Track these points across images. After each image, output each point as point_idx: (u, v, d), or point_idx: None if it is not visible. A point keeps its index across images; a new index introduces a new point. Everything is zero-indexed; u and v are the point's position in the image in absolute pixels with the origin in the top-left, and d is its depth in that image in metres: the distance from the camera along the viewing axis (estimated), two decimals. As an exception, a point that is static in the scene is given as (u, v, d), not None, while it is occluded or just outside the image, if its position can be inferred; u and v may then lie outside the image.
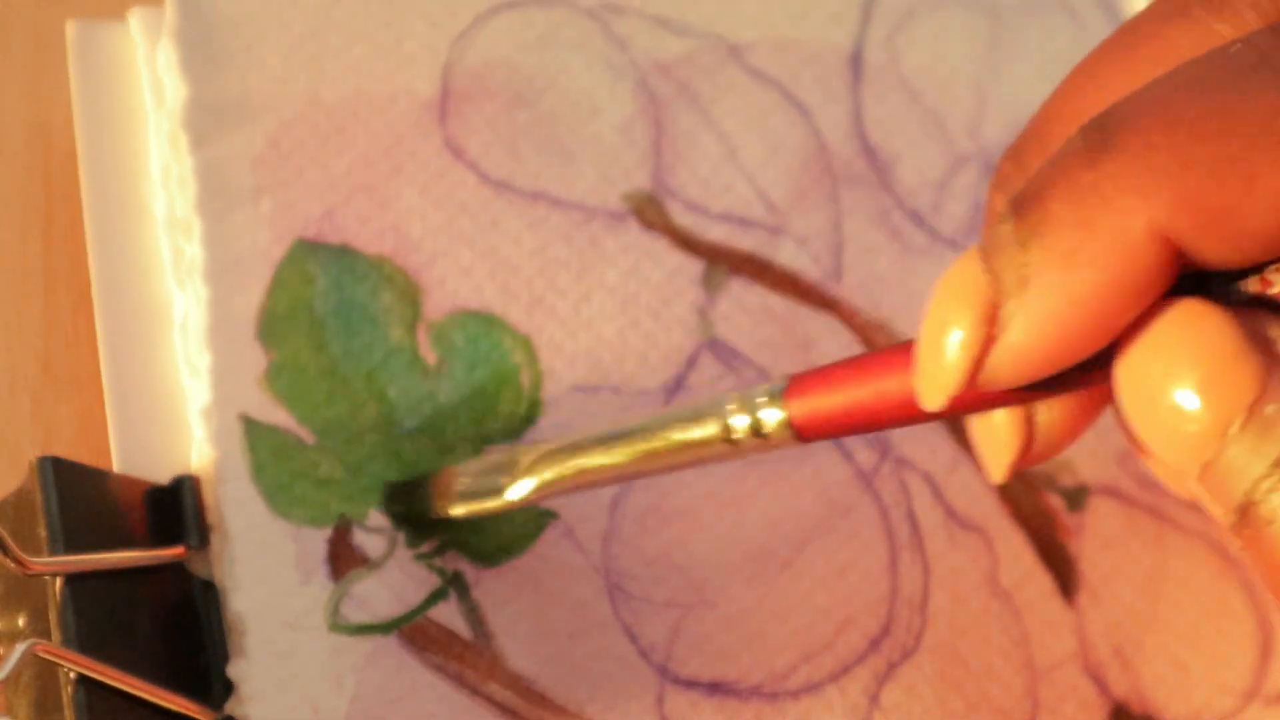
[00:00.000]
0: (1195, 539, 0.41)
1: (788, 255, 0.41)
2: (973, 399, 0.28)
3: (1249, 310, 0.27)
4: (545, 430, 0.38)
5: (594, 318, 0.39)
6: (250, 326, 0.37)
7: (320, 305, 0.38)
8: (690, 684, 0.37)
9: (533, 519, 0.37)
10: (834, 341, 0.40)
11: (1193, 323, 0.26)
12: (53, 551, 0.33)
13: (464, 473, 0.35)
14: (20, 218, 0.39)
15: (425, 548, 0.36)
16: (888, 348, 0.30)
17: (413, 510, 0.36)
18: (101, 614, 0.34)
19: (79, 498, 0.34)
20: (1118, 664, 0.39)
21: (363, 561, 0.36)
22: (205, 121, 0.38)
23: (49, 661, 0.33)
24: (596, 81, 0.41)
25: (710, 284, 0.40)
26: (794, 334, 0.40)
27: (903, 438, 0.40)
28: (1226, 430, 0.26)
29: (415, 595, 0.36)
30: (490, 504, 0.34)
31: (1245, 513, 0.26)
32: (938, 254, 0.42)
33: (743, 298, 0.40)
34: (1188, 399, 0.26)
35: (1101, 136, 0.26)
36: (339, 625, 0.35)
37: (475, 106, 0.40)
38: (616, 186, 0.40)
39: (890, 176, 0.42)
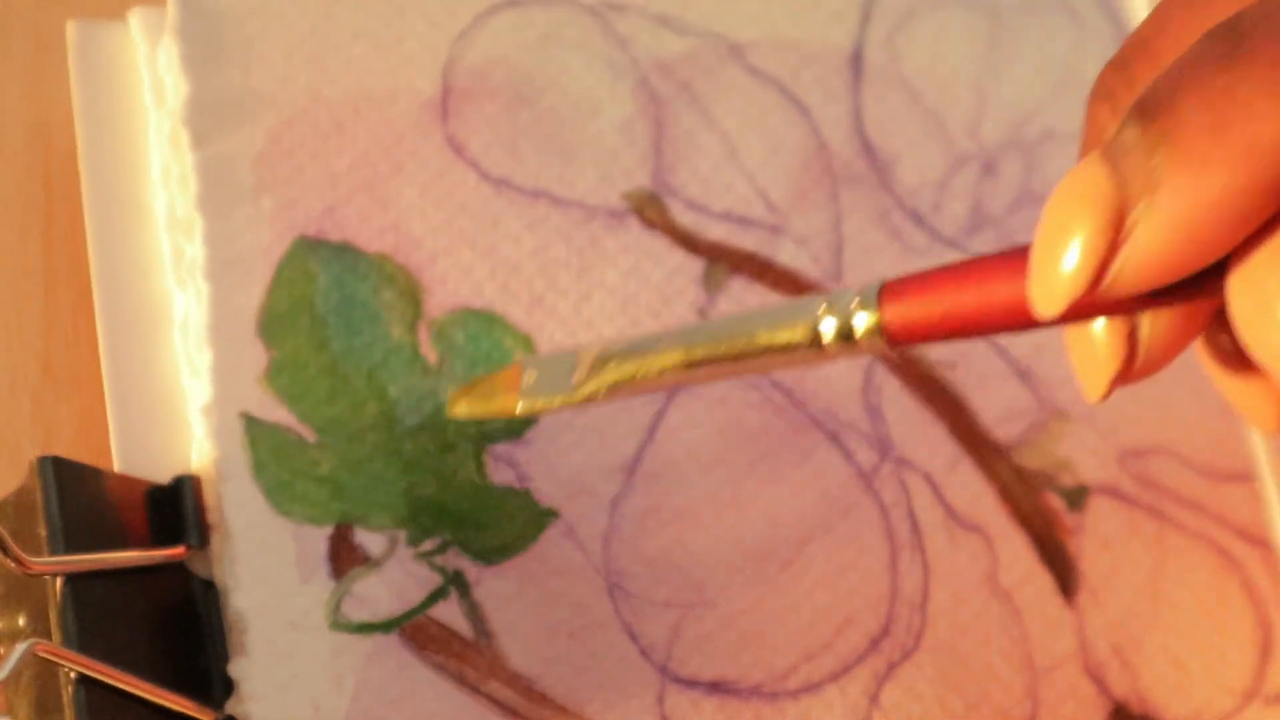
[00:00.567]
0: (1195, 539, 0.41)
1: (788, 254, 0.41)
2: (1086, 306, 0.27)
3: None
4: (546, 429, 0.38)
5: (594, 317, 0.39)
6: (251, 324, 0.37)
7: (321, 303, 0.38)
8: (690, 683, 0.37)
9: (533, 518, 0.37)
10: (834, 341, 0.40)
11: None
12: (53, 551, 0.33)
13: (529, 366, 0.34)
14: (20, 218, 0.39)
15: (426, 546, 0.36)
16: (987, 255, 0.29)
17: (475, 408, 0.35)
18: (101, 614, 0.34)
19: (79, 497, 0.34)
20: (1118, 664, 0.39)
21: (364, 560, 0.36)
22: (207, 119, 0.38)
23: (49, 661, 0.33)
24: (597, 80, 0.41)
25: (711, 283, 0.40)
26: (794, 333, 0.40)
27: (903, 438, 0.40)
28: None
29: (416, 594, 0.36)
30: (557, 399, 0.33)
31: None
32: (938, 254, 0.42)
33: (743, 297, 0.40)
34: None
35: (1235, 40, 0.26)
36: (340, 624, 0.35)
37: (476, 105, 0.40)
38: (617, 185, 0.40)
39: (890, 176, 0.42)
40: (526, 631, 0.36)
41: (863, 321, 0.30)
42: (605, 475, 0.38)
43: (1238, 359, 0.31)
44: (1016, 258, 0.28)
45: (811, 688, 0.37)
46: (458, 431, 0.37)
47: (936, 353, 0.41)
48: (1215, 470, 0.41)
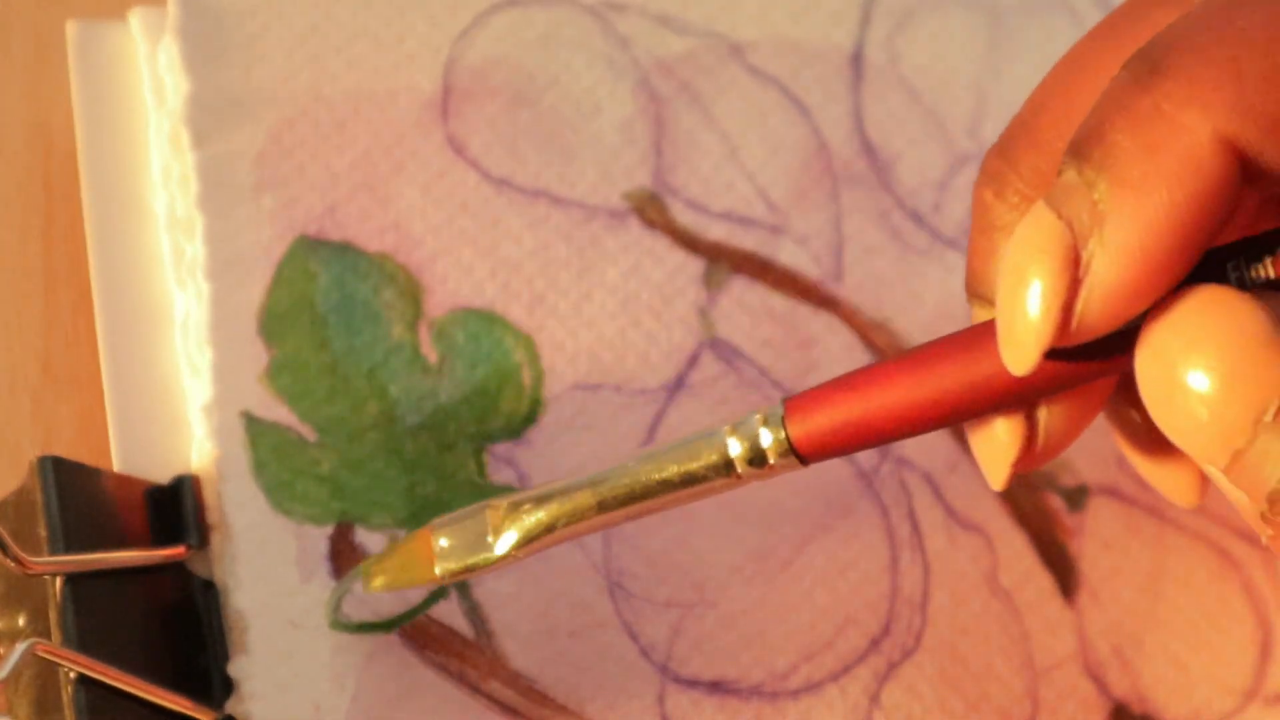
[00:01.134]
0: (1195, 539, 0.41)
1: (788, 254, 0.41)
2: (1044, 376, 0.27)
3: (1272, 295, 0.26)
4: (546, 429, 0.38)
5: (595, 316, 0.39)
6: (252, 323, 0.37)
7: (322, 302, 0.38)
8: (691, 683, 0.37)
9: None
10: (834, 341, 0.40)
11: (1218, 310, 0.26)
12: (53, 551, 0.33)
13: (440, 532, 0.33)
14: (20, 218, 0.39)
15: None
16: (884, 360, 0.30)
17: (395, 581, 0.34)
18: (101, 614, 0.34)
19: (79, 497, 0.34)
20: (1118, 664, 0.39)
21: (364, 559, 0.36)
22: (207, 118, 0.38)
23: (49, 661, 0.33)
24: (598, 80, 0.41)
25: (711, 283, 0.40)
26: (795, 333, 0.40)
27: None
28: (1259, 419, 0.26)
29: (416, 594, 0.36)
30: (476, 560, 0.32)
31: (1277, 501, 0.26)
32: (938, 254, 0.42)
33: (743, 297, 0.40)
34: (1217, 388, 0.26)
35: (1150, 63, 0.26)
36: (340, 623, 0.35)
37: (477, 104, 0.40)
38: (617, 185, 0.40)
39: (890, 176, 0.42)
40: (526, 631, 0.36)
41: (769, 440, 0.30)
42: (605, 475, 0.38)
43: (1150, 438, 0.31)
44: (916, 361, 0.29)
45: (812, 687, 0.37)
46: (458, 431, 0.37)
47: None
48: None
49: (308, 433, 0.37)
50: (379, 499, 0.36)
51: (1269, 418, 0.26)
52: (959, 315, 0.41)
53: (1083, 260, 0.26)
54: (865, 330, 0.41)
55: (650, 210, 0.40)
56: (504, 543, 0.32)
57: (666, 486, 0.31)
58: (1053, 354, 0.27)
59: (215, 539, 0.36)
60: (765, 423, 0.31)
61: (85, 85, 0.40)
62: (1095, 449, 0.41)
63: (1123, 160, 0.26)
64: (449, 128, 0.40)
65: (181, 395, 0.37)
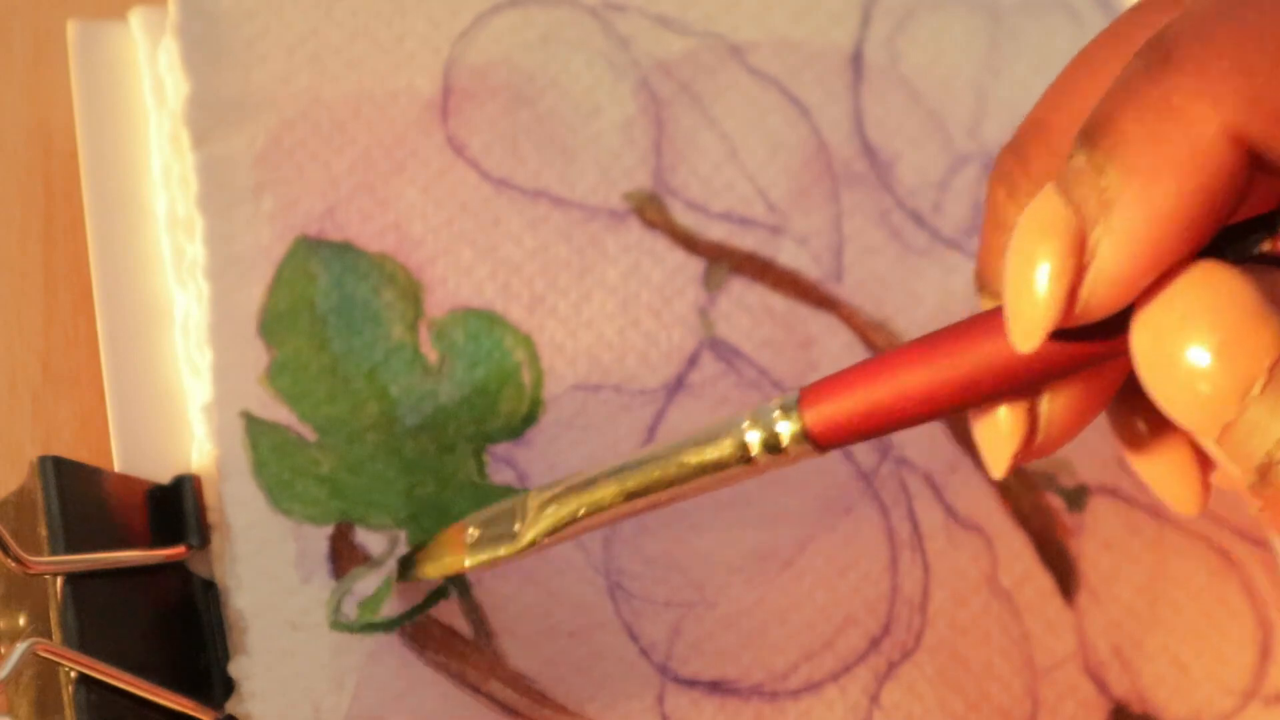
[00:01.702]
0: (1195, 539, 0.41)
1: (788, 254, 0.41)
2: (1050, 355, 0.28)
3: (1264, 269, 0.27)
4: (546, 429, 0.38)
5: (595, 316, 0.39)
6: (252, 324, 0.37)
7: (322, 303, 0.38)
8: (691, 683, 0.37)
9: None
10: (834, 341, 0.40)
11: (1211, 284, 0.27)
12: (53, 551, 0.33)
13: (472, 524, 0.34)
14: (20, 218, 0.39)
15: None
16: (898, 346, 0.30)
17: (428, 570, 0.35)
18: (102, 613, 0.34)
19: (80, 497, 0.34)
20: (1118, 664, 0.39)
21: (364, 559, 0.36)
22: (207, 119, 0.38)
23: (50, 661, 0.33)
24: (597, 80, 0.41)
25: (711, 283, 0.40)
26: (794, 333, 0.40)
27: (903, 438, 0.40)
28: (1248, 391, 0.26)
29: (416, 593, 0.36)
30: (503, 550, 0.33)
31: (1266, 473, 0.26)
32: (938, 254, 0.42)
33: (743, 297, 0.40)
34: (1208, 360, 0.26)
35: (1161, 53, 0.27)
36: (340, 623, 0.35)
37: (477, 105, 0.40)
38: (617, 185, 0.40)
39: (890, 176, 0.42)
40: (526, 631, 0.36)
41: (786, 429, 0.31)
42: (605, 475, 0.38)
43: (1150, 443, 0.32)
44: (927, 347, 0.30)
45: (812, 687, 0.38)
46: (458, 431, 0.37)
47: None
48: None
49: (308, 433, 0.37)
50: (379, 499, 0.36)
51: (1257, 390, 0.26)
52: (959, 315, 0.41)
53: (1089, 245, 0.27)
54: (865, 330, 0.41)
55: (650, 211, 0.40)
56: (530, 532, 0.33)
57: (686, 475, 0.32)
58: (1058, 334, 0.28)
59: (215, 539, 0.36)
60: (782, 411, 0.31)
61: (85, 85, 0.40)
62: (1095, 449, 0.41)
63: (1132, 149, 0.27)
64: (449, 128, 0.40)
65: (182, 395, 0.37)
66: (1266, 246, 0.27)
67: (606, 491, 0.32)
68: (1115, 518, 0.40)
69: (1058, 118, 0.30)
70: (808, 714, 0.37)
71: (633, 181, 0.41)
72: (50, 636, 0.33)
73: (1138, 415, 0.32)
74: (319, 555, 0.36)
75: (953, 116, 0.43)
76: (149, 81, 0.40)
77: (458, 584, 0.36)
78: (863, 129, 0.42)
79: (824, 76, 0.43)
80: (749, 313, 0.40)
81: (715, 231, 0.41)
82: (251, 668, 0.35)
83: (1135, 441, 0.32)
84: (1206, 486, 0.32)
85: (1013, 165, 0.31)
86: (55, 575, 0.33)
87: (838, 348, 0.40)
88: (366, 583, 0.36)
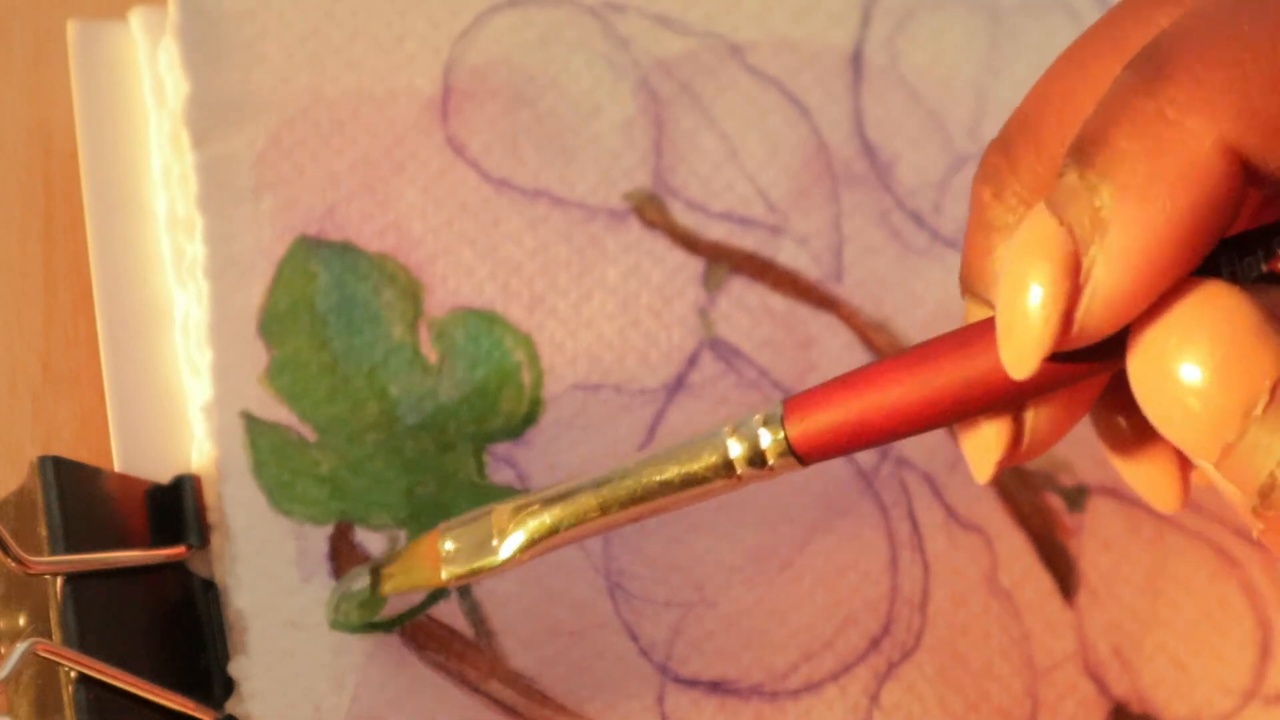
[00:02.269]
0: (1195, 539, 0.41)
1: (788, 254, 0.41)
2: (1042, 376, 0.27)
3: (1264, 288, 0.27)
4: (546, 429, 0.38)
5: (595, 316, 0.39)
6: (252, 323, 0.37)
7: (322, 302, 0.38)
8: (691, 683, 0.37)
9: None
10: (834, 341, 0.40)
11: (1211, 303, 0.26)
12: (53, 551, 0.33)
13: (447, 535, 0.33)
14: (20, 218, 0.39)
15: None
16: (884, 359, 0.30)
17: (402, 583, 0.34)
18: (102, 613, 0.34)
19: (79, 497, 0.34)
20: (1117, 664, 0.39)
21: (364, 559, 0.36)
22: (207, 119, 0.38)
23: (50, 661, 0.33)
24: (597, 80, 0.41)
25: (711, 283, 0.40)
26: (794, 333, 0.40)
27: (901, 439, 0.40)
28: (1249, 412, 0.26)
29: (416, 593, 0.36)
30: (481, 564, 0.33)
31: (1268, 495, 0.26)
32: (938, 254, 0.42)
33: (743, 297, 0.40)
34: (1208, 380, 0.26)
35: (1154, 66, 0.26)
36: (340, 623, 0.35)
37: (476, 105, 0.40)
38: (617, 185, 0.40)
39: (890, 176, 0.42)
40: (526, 631, 0.36)
41: (768, 441, 0.30)
42: (605, 475, 0.38)
43: (1134, 443, 0.32)
44: (913, 361, 0.29)
45: (812, 687, 0.37)
46: (458, 431, 0.37)
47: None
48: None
49: (308, 433, 0.37)
50: (379, 499, 0.36)
51: (1259, 410, 0.26)
52: (958, 315, 0.41)
53: (1084, 266, 0.26)
54: (865, 330, 0.41)
55: (650, 210, 0.40)
56: (509, 546, 0.33)
57: (668, 488, 0.31)
58: (1051, 355, 0.27)
59: (215, 539, 0.36)
60: (765, 423, 0.31)
61: (85, 85, 0.40)
62: (1095, 449, 0.41)
63: (1125, 165, 0.26)
64: (449, 128, 0.40)
65: (182, 395, 0.37)
66: (1265, 267, 0.27)
67: (585, 505, 0.32)
68: (1115, 517, 0.40)
69: (1046, 114, 0.30)
70: (807, 714, 0.37)
71: (633, 181, 0.41)
72: (50, 636, 0.33)
73: (1119, 414, 0.32)
74: (319, 555, 0.36)
75: (953, 116, 0.43)
76: (149, 81, 0.40)
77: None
78: (863, 129, 0.42)
79: (824, 76, 0.43)
80: (749, 313, 0.40)
81: (715, 231, 0.41)
82: (251, 668, 0.35)
83: (1117, 439, 0.32)
84: (1187, 484, 0.32)
85: (999, 164, 0.30)
86: (55, 575, 0.33)
87: (838, 348, 0.40)
88: (366, 583, 0.36)
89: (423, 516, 0.37)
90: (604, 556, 0.37)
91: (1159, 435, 0.30)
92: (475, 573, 0.33)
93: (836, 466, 0.39)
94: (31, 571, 0.33)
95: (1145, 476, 0.32)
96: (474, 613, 0.36)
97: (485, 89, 0.40)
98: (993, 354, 0.28)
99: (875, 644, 0.38)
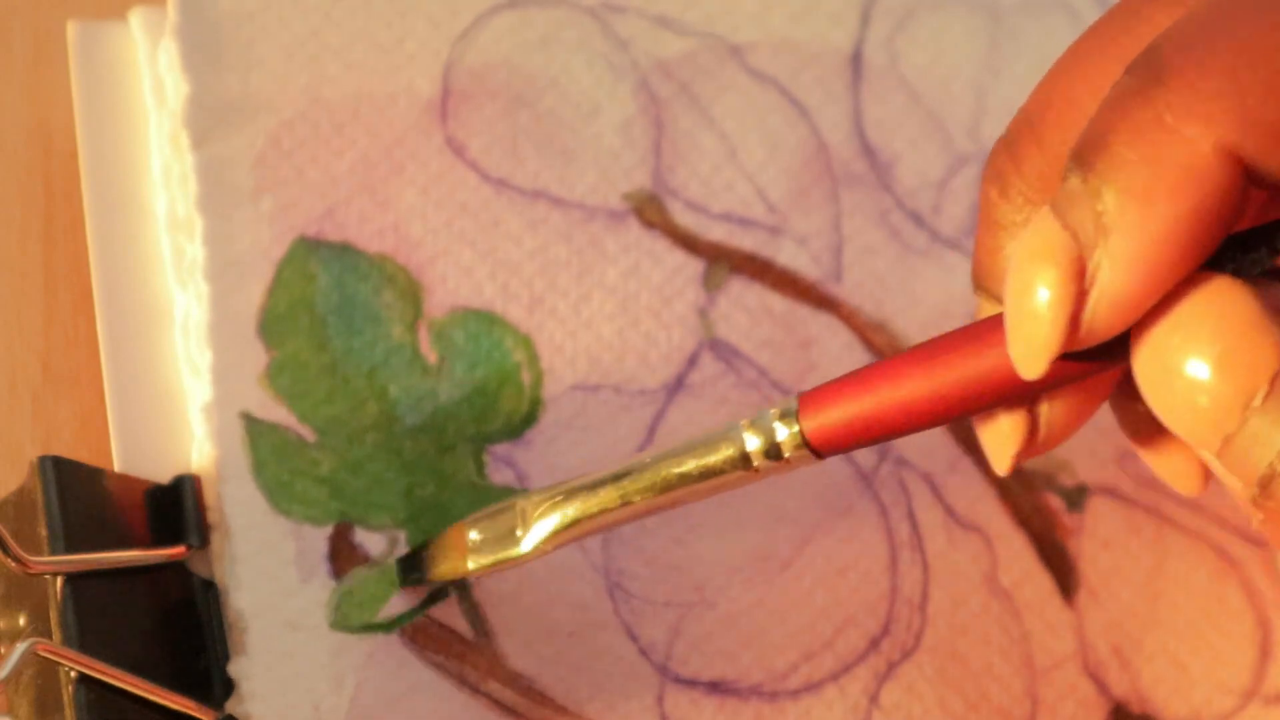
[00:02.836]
0: (1195, 539, 0.41)
1: (788, 255, 0.41)
2: (1057, 372, 0.28)
3: (1267, 284, 0.27)
4: (546, 429, 0.38)
5: (594, 317, 0.39)
6: (251, 324, 0.37)
7: (321, 303, 0.38)
8: (690, 683, 0.37)
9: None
10: (834, 341, 0.40)
11: (1213, 297, 0.26)
12: (53, 551, 0.33)
13: (473, 526, 0.34)
14: (20, 218, 0.39)
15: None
16: (899, 353, 0.30)
17: (429, 574, 0.35)
18: (102, 613, 0.34)
19: (80, 497, 0.34)
20: (1117, 663, 0.39)
21: (364, 560, 0.36)
22: (207, 120, 0.38)
23: (50, 661, 0.33)
24: (597, 81, 0.41)
25: (710, 283, 0.40)
26: (794, 334, 0.40)
27: (903, 438, 0.40)
28: (1249, 403, 0.26)
29: (416, 594, 0.36)
30: (506, 555, 0.34)
31: (1267, 485, 0.26)
32: (937, 254, 0.42)
33: (743, 297, 0.40)
34: (1209, 372, 0.26)
35: (1153, 71, 0.27)
36: (340, 623, 0.35)
37: (476, 106, 0.40)
38: (617, 186, 0.40)
39: (890, 177, 0.42)
40: (526, 631, 0.36)
41: (784, 435, 0.31)
42: (605, 475, 0.38)
43: (1153, 428, 0.32)
44: (926, 356, 0.30)
45: (811, 687, 0.38)
46: (457, 432, 0.37)
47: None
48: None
49: (307, 434, 0.37)
50: (378, 500, 0.36)
51: (1259, 401, 0.26)
52: (958, 316, 0.41)
53: (1088, 270, 0.27)
54: (865, 331, 0.41)
55: (649, 211, 0.40)
56: (532, 537, 0.33)
57: (687, 480, 0.32)
58: (1059, 355, 0.28)
59: (215, 539, 0.36)
60: (780, 417, 0.31)
61: (85, 85, 0.40)
62: (1095, 449, 0.41)
63: (1126, 171, 0.26)
64: (448, 129, 0.40)
65: (181, 395, 0.37)
66: (1268, 264, 0.27)
67: (607, 496, 0.33)
68: (1115, 518, 0.40)
69: (1049, 114, 0.30)
70: (807, 714, 0.37)
71: (632, 182, 0.41)
72: (50, 636, 0.33)
73: (1138, 401, 0.32)
74: (318, 555, 0.36)
75: (952, 117, 0.43)
76: (149, 82, 0.40)
77: (457, 584, 0.36)
78: (862, 129, 0.42)
79: (823, 77, 0.43)
80: (748, 313, 0.40)
81: (715, 232, 0.41)
82: (251, 668, 0.35)
83: (1136, 426, 0.33)
84: (1206, 467, 0.32)
85: (1005, 163, 0.31)
86: (55, 575, 0.33)
87: (837, 348, 0.40)
88: (366, 583, 0.36)
89: (422, 517, 0.37)
90: (604, 556, 0.37)
91: None
92: (500, 563, 0.34)
93: (837, 467, 0.39)
94: (31, 571, 0.33)
95: (1166, 462, 0.32)
96: (474, 613, 0.36)
97: (485, 90, 0.40)
98: (1003, 350, 0.28)
99: (875, 644, 0.38)
